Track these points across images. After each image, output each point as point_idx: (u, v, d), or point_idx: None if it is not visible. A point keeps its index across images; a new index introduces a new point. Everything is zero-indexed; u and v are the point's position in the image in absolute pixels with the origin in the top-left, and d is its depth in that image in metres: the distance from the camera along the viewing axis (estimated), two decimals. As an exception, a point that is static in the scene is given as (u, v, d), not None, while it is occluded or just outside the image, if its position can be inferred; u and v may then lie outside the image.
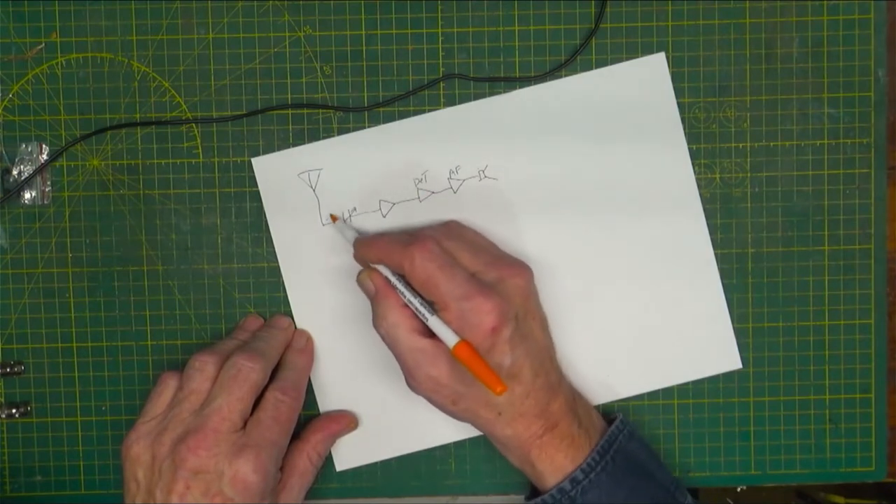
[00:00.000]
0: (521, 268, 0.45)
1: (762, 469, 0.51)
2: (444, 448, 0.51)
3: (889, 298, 0.51)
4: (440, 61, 0.50)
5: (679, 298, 0.50)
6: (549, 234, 0.50)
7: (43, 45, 0.50)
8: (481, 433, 0.48)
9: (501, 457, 0.47)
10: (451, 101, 0.50)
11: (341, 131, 0.50)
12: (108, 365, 0.51)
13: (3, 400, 0.51)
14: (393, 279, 0.44)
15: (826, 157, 0.50)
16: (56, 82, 0.50)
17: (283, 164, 0.50)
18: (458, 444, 0.51)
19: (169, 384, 0.46)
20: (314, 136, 0.50)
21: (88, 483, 0.51)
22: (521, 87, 0.50)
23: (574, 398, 0.46)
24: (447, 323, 0.42)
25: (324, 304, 0.50)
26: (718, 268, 0.50)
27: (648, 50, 0.50)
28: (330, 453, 0.51)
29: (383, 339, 0.45)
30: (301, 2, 0.50)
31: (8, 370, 0.51)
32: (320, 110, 0.50)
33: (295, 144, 0.50)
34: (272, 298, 0.51)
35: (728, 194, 0.50)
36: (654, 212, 0.50)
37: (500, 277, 0.44)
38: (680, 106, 0.50)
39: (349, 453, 0.51)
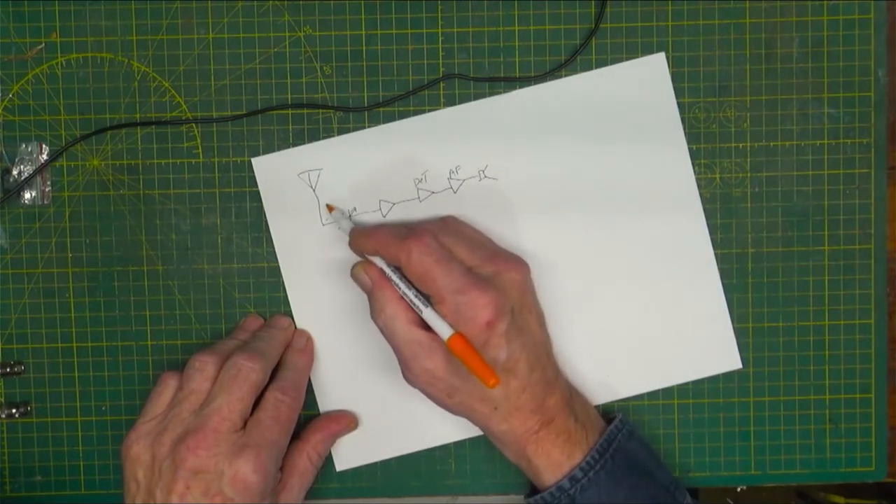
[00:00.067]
0: (517, 262, 0.45)
1: (762, 469, 0.51)
2: (444, 448, 0.51)
3: (889, 298, 0.51)
4: (440, 61, 0.50)
5: (679, 298, 0.50)
6: (549, 234, 0.50)
7: (43, 45, 0.50)
8: (481, 433, 0.49)
9: (501, 457, 0.47)
10: (451, 101, 0.50)
11: (341, 131, 0.50)
12: (108, 365, 0.51)
13: (3, 400, 0.51)
14: (388, 271, 0.45)
15: (826, 157, 0.50)
16: (56, 82, 0.50)
17: (283, 164, 0.50)
18: (458, 444, 0.51)
19: (169, 384, 0.46)
20: (314, 136, 0.50)
21: (88, 483, 0.51)
22: (521, 87, 0.50)
23: (571, 394, 0.46)
24: (442, 316, 0.42)
25: (324, 304, 0.50)
26: (718, 268, 0.50)
27: (648, 50, 0.50)
28: (330, 453, 0.51)
29: (381, 330, 0.45)
30: (301, 2, 0.50)
31: (8, 370, 0.51)
32: (320, 110, 0.50)
33: (295, 144, 0.50)
34: (272, 298, 0.51)
35: (728, 194, 0.50)
36: (654, 212, 0.50)
37: (497, 272, 0.44)
38: (680, 106, 0.50)
39: (349, 453, 0.51)
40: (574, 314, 0.50)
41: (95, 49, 0.50)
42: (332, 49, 0.50)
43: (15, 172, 0.50)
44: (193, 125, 0.50)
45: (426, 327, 0.44)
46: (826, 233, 0.50)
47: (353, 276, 0.46)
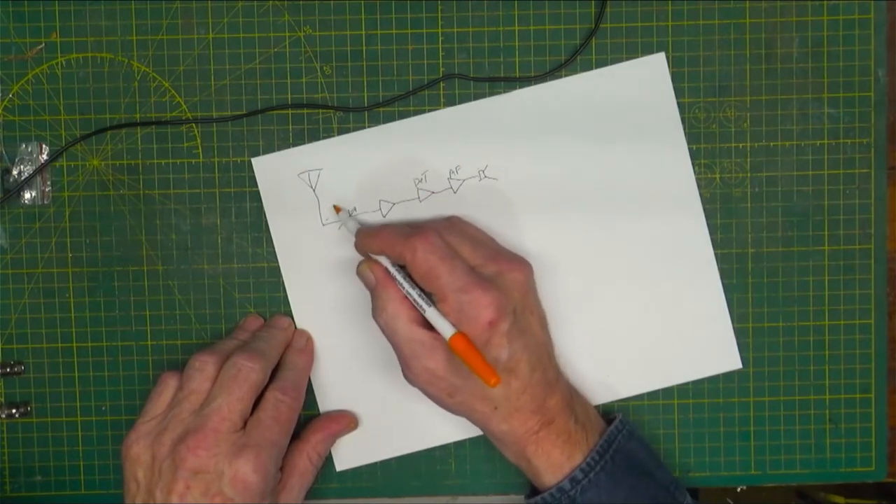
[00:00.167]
0: (520, 263, 0.45)
1: (762, 469, 0.51)
2: (444, 448, 0.51)
3: (889, 298, 0.51)
4: (440, 61, 0.50)
5: (679, 298, 0.50)
6: (549, 234, 0.50)
7: (43, 45, 0.50)
8: (481, 433, 0.48)
9: (501, 457, 0.47)
10: (451, 101, 0.50)
11: (341, 131, 0.50)
12: (108, 365, 0.51)
13: (3, 400, 0.51)
14: (392, 270, 0.45)
15: (826, 157, 0.50)
16: (56, 82, 0.50)
17: (283, 164, 0.50)
18: (458, 444, 0.51)
19: (169, 384, 0.46)
20: (314, 136, 0.50)
21: (88, 483, 0.51)
22: (521, 87, 0.50)
23: (571, 395, 0.46)
24: (445, 315, 0.42)
25: (324, 305, 0.50)
26: (718, 268, 0.50)
27: (648, 50, 0.50)
28: (330, 453, 0.51)
29: (382, 329, 0.45)
30: (301, 2, 0.50)
31: (8, 370, 0.51)
32: (320, 110, 0.50)
33: (295, 144, 0.50)
34: (272, 298, 0.51)
35: (728, 194, 0.50)
36: (654, 212, 0.50)
37: (500, 272, 0.44)
38: (680, 106, 0.50)
39: (349, 453, 0.51)
40: (574, 314, 0.50)
41: (95, 49, 0.50)
42: (332, 49, 0.50)
43: (15, 172, 0.50)
44: (193, 125, 0.50)
45: (427, 327, 0.44)
46: (826, 233, 0.50)
47: (359, 273, 0.46)
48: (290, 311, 0.50)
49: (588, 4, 0.50)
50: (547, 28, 0.50)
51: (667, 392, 0.51)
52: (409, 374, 0.45)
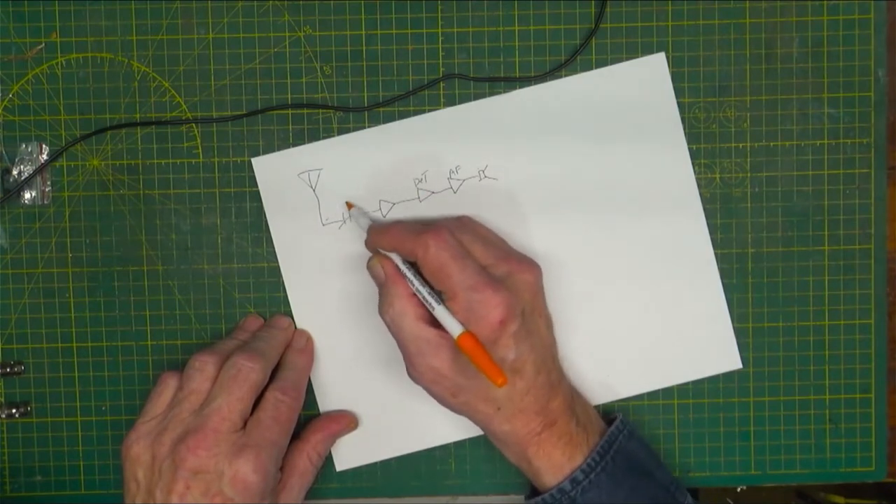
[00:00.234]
0: (530, 264, 0.45)
1: (762, 469, 0.51)
2: (444, 448, 0.51)
3: (889, 298, 0.51)
4: (440, 61, 0.50)
5: (679, 298, 0.50)
6: (549, 234, 0.50)
7: (43, 45, 0.50)
8: (482, 434, 0.49)
9: (501, 457, 0.47)
10: (451, 101, 0.50)
11: (341, 131, 0.50)
12: (108, 365, 0.51)
13: (3, 400, 0.51)
14: (403, 267, 0.45)
15: (826, 157, 0.50)
16: (56, 82, 0.50)
17: (283, 164, 0.50)
18: (458, 444, 0.51)
19: (169, 384, 0.46)
20: (314, 136, 0.50)
21: (88, 483, 0.51)
22: (521, 87, 0.50)
23: (573, 397, 0.46)
24: (454, 313, 0.42)
25: (324, 305, 0.50)
26: (718, 268, 0.50)
27: (648, 50, 0.50)
28: (330, 453, 0.51)
29: (388, 326, 0.45)
30: (301, 2, 0.50)
31: (8, 370, 0.51)
32: (320, 110, 0.50)
33: (295, 144, 0.50)
34: (272, 298, 0.51)
35: (728, 194, 0.50)
36: (654, 212, 0.50)
37: (510, 272, 0.44)
38: (680, 106, 0.50)
39: (349, 453, 0.51)
40: (574, 314, 0.50)
41: (95, 49, 0.50)
42: (332, 49, 0.50)
43: (15, 172, 0.50)
44: (193, 125, 0.50)
45: (433, 325, 0.44)
46: (826, 233, 0.50)
47: (369, 268, 0.46)
48: (290, 311, 0.50)
49: (588, 4, 0.50)
50: (547, 28, 0.50)
51: (667, 392, 0.51)
52: (414, 371, 0.45)
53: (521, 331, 0.43)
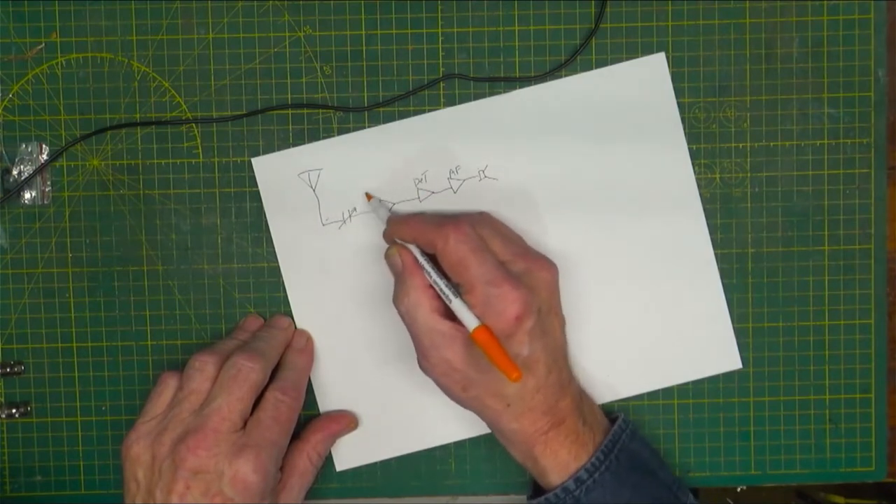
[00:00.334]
0: (548, 263, 0.46)
1: (762, 469, 0.51)
2: (444, 448, 0.51)
3: (889, 298, 0.51)
4: (440, 61, 0.50)
5: (679, 298, 0.50)
6: (549, 234, 0.50)
7: (43, 45, 0.50)
8: (482, 434, 0.49)
9: (501, 457, 0.47)
10: (451, 101, 0.50)
11: (341, 131, 0.50)
12: (108, 365, 0.51)
13: (3, 400, 0.51)
14: (421, 259, 0.45)
15: (826, 157, 0.50)
16: (56, 82, 0.50)
17: (283, 164, 0.50)
18: (458, 444, 0.51)
19: (169, 384, 0.46)
20: (314, 136, 0.50)
21: (88, 483, 0.51)
22: (521, 87, 0.50)
23: (581, 397, 0.46)
24: (471, 306, 0.42)
25: (324, 305, 0.50)
26: (718, 268, 0.50)
27: (648, 50, 0.50)
28: (330, 453, 0.51)
29: (402, 316, 0.45)
30: (301, 2, 0.50)
31: (8, 370, 0.51)
32: (320, 110, 0.50)
33: (295, 144, 0.50)
34: (272, 298, 0.51)
35: (728, 194, 0.50)
36: (654, 212, 0.50)
37: (528, 269, 0.44)
38: (680, 106, 0.50)
39: (349, 453, 0.51)
40: (574, 314, 0.50)
41: (95, 49, 0.50)
42: (332, 49, 0.50)
43: (15, 172, 0.50)
44: (193, 125, 0.50)
45: (447, 318, 0.44)
46: (826, 233, 0.50)
47: (387, 257, 0.46)
48: (290, 311, 0.50)
49: (588, 4, 0.50)
50: (547, 28, 0.50)
51: (667, 392, 0.51)
52: (426, 363, 0.45)
53: (536, 328, 0.43)
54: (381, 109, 0.50)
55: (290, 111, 0.50)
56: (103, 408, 0.51)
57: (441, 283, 0.44)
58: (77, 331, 0.51)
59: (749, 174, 0.50)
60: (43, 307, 0.51)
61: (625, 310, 0.50)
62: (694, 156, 0.50)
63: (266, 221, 0.50)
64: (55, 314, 0.51)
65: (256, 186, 0.50)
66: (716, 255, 0.50)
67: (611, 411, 0.51)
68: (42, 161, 0.50)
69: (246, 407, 0.44)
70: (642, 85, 0.50)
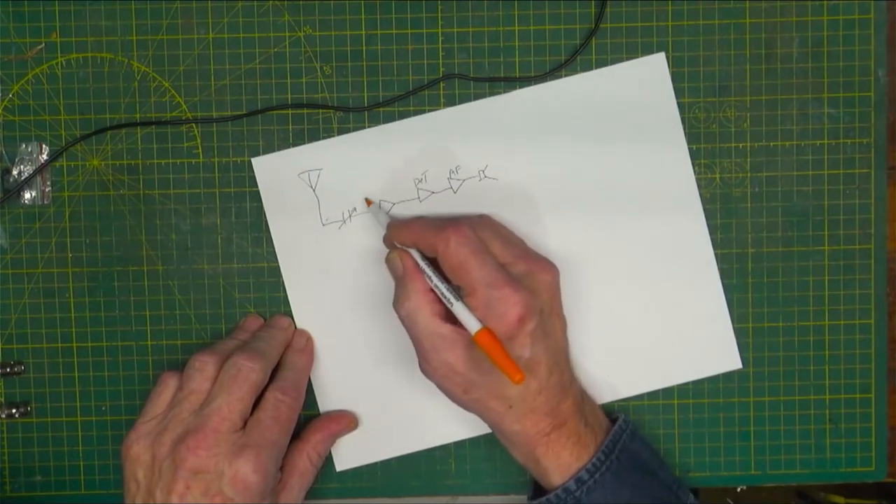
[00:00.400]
0: (549, 265, 0.46)
1: (762, 469, 0.51)
2: (444, 448, 0.51)
3: (889, 298, 0.51)
4: (440, 61, 0.50)
5: (679, 298, 0.50)
6: (549, 235, 0.50)
7: (43, 45, 0.50)
8: (482, 434, 0.49)
9: (501, 457, 0.47)
10: (451, 101, 0.50)
11: (341, 131, 0.50)
12: (108, 365, 0.51)
13: (3, 400, 0.51)
14: (422, 263, 0.45)
15: (826, 157, 0.50)
16: (56, 82, 0.50)
17: (283, 164, 0.50)
18: (458, 444, 0.51)
19: (169, 384, 0.46)
20: (314, 136, 0.50)
21: (88, 483, 0.51)
22: (521, 87, 0.50)
23: (583, 398, 0.46)
24: (472, 309, 0.42)
25: (324, 304, 0.50)
26: (718, 268, 0.50)
27: (648, 50, 0.50)
28: (330, 453, 0.51)
29: (402, 320, 0.45)
30: (301, 2, 0.50)
31: (8, 370, 0.51)
32: (320, 110, 0.50)
33: (295, 144, 0.50)
34: (272, 298, 0.51)
35: (728, 194, 0.50)
36: (654, 212, 0.50)
37: (530, 271, 0.44)
38: (680, 106, 0.50)
39: (349, 453, 0.51)
40: (574, 314, 0.50)
41: (95, 49, 0.50)
42: (332, 49, 0.50)
43: (15, 172, 0.50)
44: (193, 125, 0.50)
45: (448, 321, 0.44)
46: (826, 233, 0.50)
47: (388, 261, 0.46)
48: (290, 311, 0.50)
49: (588, 4, 0.50)
50: (547, 28, 0.50)
51: (667, 392, 0.51)
52: (427, 367, 0.45)
53: (537, 330, 0.43)
54: (381, 109, 0.50)
55: (290, 111, 0.50)
56: (103, 408, 0.51)
57: (442, 287, 0.44)
58: (77, 331, 0.51)
59: (749, 174, 0.50)
60: (43, 307, 0.51)
61: (625, 310, 0.50)
62: (694, 156, 0.50)
63: (266, 221, 0.50)
64: (55, 314, 0.51)
65: (256, 186, 0.50)
66: (716, 255, 0.50)
67: (611, 411, 0.51)
68: (42, 161, 0.50)
69: (246, 407, 0.44)
70: (642, 85, 0.50)
